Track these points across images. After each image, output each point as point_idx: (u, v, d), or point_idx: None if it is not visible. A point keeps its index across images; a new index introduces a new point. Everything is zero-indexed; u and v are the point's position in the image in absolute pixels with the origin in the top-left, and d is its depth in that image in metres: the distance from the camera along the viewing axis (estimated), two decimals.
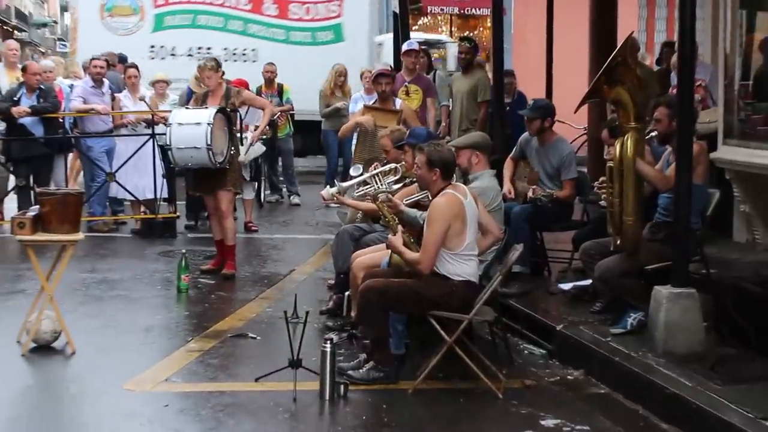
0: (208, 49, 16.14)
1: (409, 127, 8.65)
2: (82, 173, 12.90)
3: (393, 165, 7.45)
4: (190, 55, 16.26)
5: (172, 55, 16.63)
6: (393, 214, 6.53)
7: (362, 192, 7.44)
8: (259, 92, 13.57)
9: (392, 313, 6.19)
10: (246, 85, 10.84)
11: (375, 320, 6.12)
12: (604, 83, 6.53)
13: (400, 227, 6.31)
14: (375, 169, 7.55)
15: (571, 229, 8.30)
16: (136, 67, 12.16)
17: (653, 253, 6.56)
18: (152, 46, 16.67)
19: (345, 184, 7.54)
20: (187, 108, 9.58)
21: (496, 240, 6.53)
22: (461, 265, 6.08)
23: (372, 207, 6.89)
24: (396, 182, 7.33)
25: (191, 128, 8.72)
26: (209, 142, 8.64)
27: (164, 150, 10.13)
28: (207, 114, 8.79)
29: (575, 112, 7.65)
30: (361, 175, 7.56)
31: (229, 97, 9.15)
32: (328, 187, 7.51)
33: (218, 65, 9.22)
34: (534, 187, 7.90)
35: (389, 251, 6.54)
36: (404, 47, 10.95)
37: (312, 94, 14.19)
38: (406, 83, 10.57)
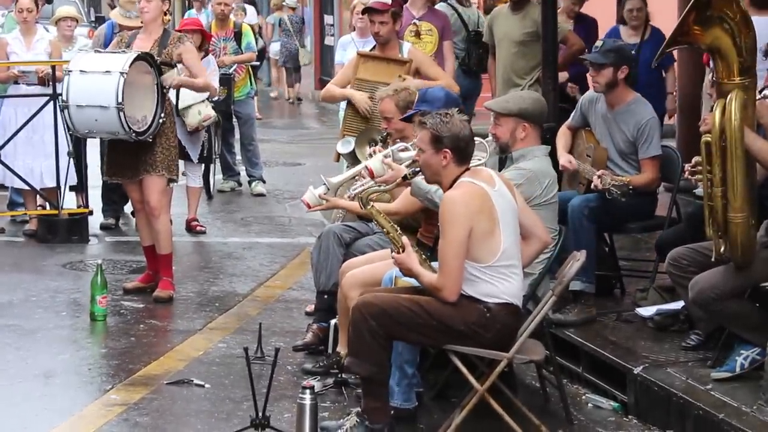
0: None
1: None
2: None
3: (402, 145, 7.39)
4: None
5: None
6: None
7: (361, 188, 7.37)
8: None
9: (397, 345, 6.19)
10: (200, 27, 10.79)
11: (370, 351, 6.03)
12: (695, 23, 6.47)
13: (405, 239, 6.20)
14: (375, 153, 7.42)
15: (653, 229, 8.33)
16: None
17: None
18: None
19: (335, 180, 7.35)
20: (97, 51, 9.52)
21: (543, 246, 6.50)
22: (499, 282, 6.02)
23: (386, 207, 6.80)
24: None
25: (97, 78, 8.67)
26: (120, 100, 8.57)
27: None
28: (121, 60, 8.68)
29: (656, 62, 7.62)
30: (354, 163, 7.47)
31: (165, 44, 9.04)
32: (311, 188, 7.37)
33: None
34: (601, 171, 7.85)
35: (393, 264, 6.51)
36: None
37: None
38: (416, 20, 10.54)
